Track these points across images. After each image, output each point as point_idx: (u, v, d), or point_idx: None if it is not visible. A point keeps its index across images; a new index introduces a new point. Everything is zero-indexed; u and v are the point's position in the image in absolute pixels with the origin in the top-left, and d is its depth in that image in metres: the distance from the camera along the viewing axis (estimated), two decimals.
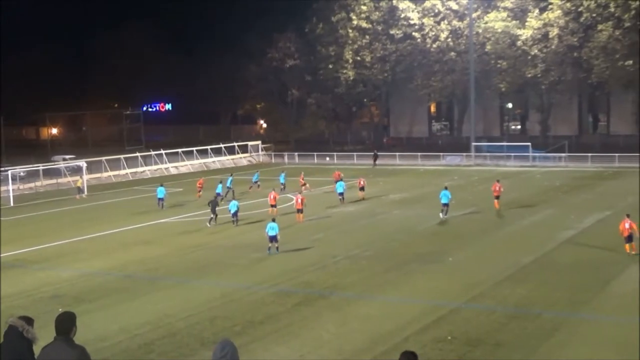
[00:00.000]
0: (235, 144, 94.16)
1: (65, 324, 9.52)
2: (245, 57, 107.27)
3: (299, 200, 43.85)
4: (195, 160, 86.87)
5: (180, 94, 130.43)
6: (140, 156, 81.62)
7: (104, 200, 59.13)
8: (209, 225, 43.06)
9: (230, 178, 58.09)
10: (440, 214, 43.06)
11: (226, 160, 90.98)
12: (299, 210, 43.68)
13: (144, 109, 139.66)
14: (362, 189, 53.09)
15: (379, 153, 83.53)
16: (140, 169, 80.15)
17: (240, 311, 24.92)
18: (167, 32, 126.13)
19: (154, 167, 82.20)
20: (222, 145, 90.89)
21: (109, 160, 76.78)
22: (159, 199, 51.63)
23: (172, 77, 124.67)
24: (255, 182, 60.93)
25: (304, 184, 57.75)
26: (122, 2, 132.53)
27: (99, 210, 53.08)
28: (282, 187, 58.38)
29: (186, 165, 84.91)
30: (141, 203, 55.58)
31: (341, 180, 53.92)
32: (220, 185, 53.90)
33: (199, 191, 55.97)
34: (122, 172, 77.43)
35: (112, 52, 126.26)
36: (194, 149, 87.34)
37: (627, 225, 31.44)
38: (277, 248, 34.04)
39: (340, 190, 51.21)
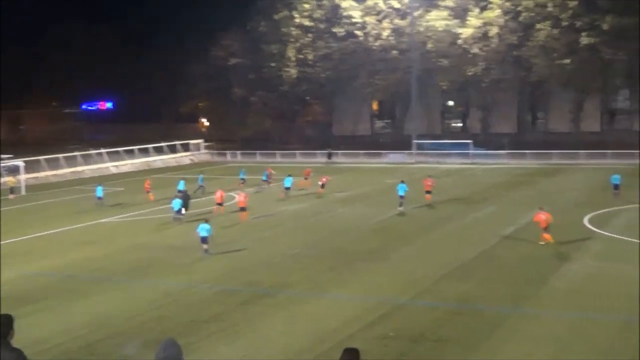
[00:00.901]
0: (178, 142, 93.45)
1: (2, 327, 9.33)
2: (188, 55, 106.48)
3: (242, 199, 43.77)
4: (137, 159, 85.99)
5: (122, 93, 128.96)
6: (80, 155, 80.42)
7: (44, 200, 58.14)
8: (180, 216, 43.32)
9: (201, 176, 58.51)
10: (399, 207, 44.41)
11: (168, 158, 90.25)
12: (242, 209, 43.56)
13: (84, 107, 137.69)
14: (322, 186, 53.68)
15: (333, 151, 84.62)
16: (80, 168, 78.98)
17: (184, 311, 24.74)
18: (108, 31, 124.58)
19: (95, 166, 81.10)
20: (164, 144, 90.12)
21: (48, 160, 75.52)
22: (98, 197, 50.97)
23: (113, 76, 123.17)
24: (242, 178, 61.08)
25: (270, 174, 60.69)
26: (62, 1, 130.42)
27: (39, 211, 52.17)
28: (267, 184, 59.29)
29: (127, 164, 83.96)
30: (82, 203, 54.73)
31: (309, 177, 57.86)
32: (182, 182, 53.32)
33: (148, 192, 54.04)
34: (62, 171, 76.22)
35: (52, 50, 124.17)
36: (136, 147, 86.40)
37: (544, 217, 33.15)
38: (207, 250, 33.32)
39: (287, 185, 52.27)
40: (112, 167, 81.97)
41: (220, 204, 45.60)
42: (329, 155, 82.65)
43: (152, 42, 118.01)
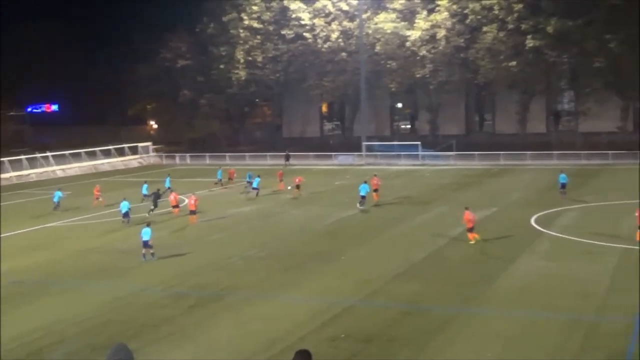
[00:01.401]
0: (126, 145, 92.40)
1: None
2: (135, 57, 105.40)
3: (192, 202, 43.58)
4: (83, 162, 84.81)
5: (67, 95, 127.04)
6: (25, 159, 79.04)
7: None
8: (147, 215, 44.68)
9: (168, 178, 58.07)
10: (358, 204, 46.38)
11: (116, 161, 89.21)
12: (192, 212, 43.37)
13: (29, 110, 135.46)
14: (297, 186, 53.77)
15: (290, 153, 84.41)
16: (25, 172, 77.55)
17: (134, 315, 24.55)
18: (53, 31, 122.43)
19: (40, 169, 79.74)
20: (111, 147, 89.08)
21: None
22: (55, 202, 50.12)
23: (59, 78, 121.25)
24: (220, 179, 61.58)
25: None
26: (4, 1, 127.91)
27: None
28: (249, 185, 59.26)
29: (74, 168, 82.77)
30: (28, 207, 53.87)
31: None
32: (145, 186, 52.70)
33: (97, 198, 52.26)
34: (6, 175, 74.77)
35: None
36: (82, 150, 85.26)
37: (471, 217, 34.76)
38: (153, 254, 33.18)
39: (255, 185, 53.76)
40: (58, 170, 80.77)
41: (175, 207, 45.51)
42: (287, 157, 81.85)
43: (98, 43, 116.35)
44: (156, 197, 47.17)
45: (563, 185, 48.44)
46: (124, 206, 43.11)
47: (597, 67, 79.36)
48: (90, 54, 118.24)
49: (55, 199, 50.19)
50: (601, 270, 28.30)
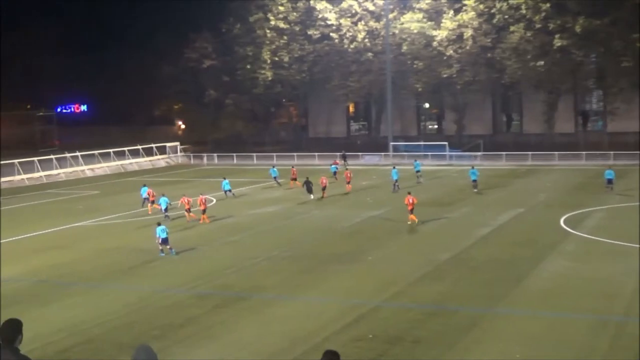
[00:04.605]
0: (153, 145, 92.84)
1: (10, 332, 9.19)
2: (160, 57, 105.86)
3: (204, 200, 43.57)
4: (112, 162, 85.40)
5: (95, 95, 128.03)
6: (55, 158, 79.74)
7: (18, 204, 57.39)
8: (312, 197, 51.66)
9: (274, 169, 61.81)
10: (474, 190, 53.02)
11: (144, 161, 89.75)
12: (202, 211, 43.33)
13: (58, 110, 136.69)
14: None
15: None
16: (54, 172, 78.27)
17: (158, 315, 24.59)
18: (81, 31, 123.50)
19: (69, 169, 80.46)
20: (139, 147, 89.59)
21: (21, 163, 74.78)
22: (144, 198, 50.13)
23: (87, 78, 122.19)
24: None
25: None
26: (33, 0, 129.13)
27: (13, 215, 51.38)
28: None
29: (102, 167, 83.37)
30: (56, 207, 54.27)
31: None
32: (226, 182, 54.55)
33: (153, 201, 49.14)
34: (36, 174, 75.54)
35: (24, 52, 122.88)
36: (111, 150, 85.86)
37: (410, 200, 39.72)
38: (171, 249, 33.94)
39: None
40: (87, 170, 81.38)
41: (188, 210, 44.14)
42: (344, 157, 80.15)
43: (125, 44, 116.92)
44: (308, 185, 51.72)
45: (610, 181, 49.19)
46: (163, 202, 44.12)
47: (624, 66, 78.52)
48: (118, 54, 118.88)
49: (144, 194, 50.22)
50: (628, 271, 27.94)
